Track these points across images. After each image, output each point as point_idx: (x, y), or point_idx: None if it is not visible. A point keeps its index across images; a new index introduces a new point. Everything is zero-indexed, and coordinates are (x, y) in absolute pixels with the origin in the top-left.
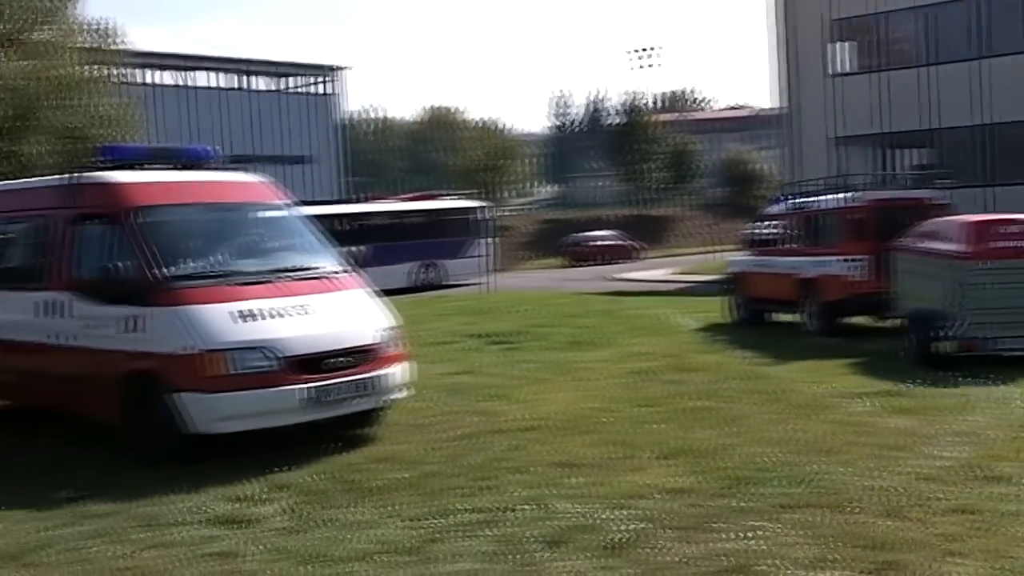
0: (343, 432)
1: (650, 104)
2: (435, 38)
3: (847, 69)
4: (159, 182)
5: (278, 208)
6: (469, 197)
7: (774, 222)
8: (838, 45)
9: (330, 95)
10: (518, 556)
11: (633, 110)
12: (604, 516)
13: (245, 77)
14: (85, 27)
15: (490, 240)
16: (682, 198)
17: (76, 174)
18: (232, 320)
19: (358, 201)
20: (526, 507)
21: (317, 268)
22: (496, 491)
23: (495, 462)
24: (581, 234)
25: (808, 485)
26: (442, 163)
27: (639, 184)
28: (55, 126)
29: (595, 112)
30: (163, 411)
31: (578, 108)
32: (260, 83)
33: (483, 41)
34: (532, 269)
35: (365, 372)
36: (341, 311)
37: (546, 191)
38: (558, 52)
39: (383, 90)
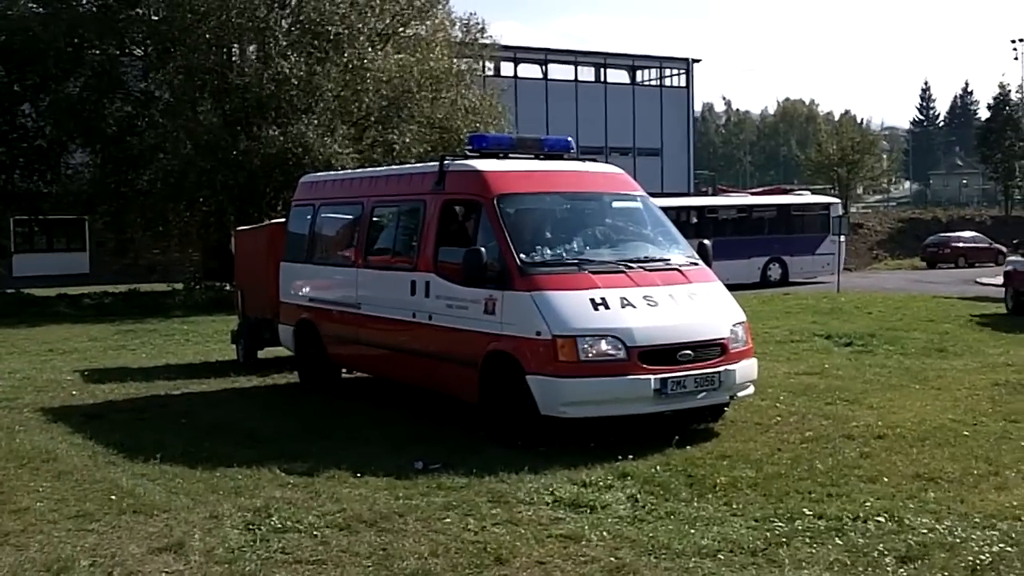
0: (685, 425)
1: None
2: (791, 30)
3: None
4: (522, 171)
5: (633, 199)
6: (821, 193)
7: None
8: None
9: (682, 88)
10: (869, 569)
11: (1004, 104)
12: (964, 535)
13: (600, 70)
14: (454, 22)
15: (841, 238)
16: None
17: (446, 161)
18: (585, 307)
19: (705, 194)
20: (879, 519)
21: (669, 260)
22: (846, 499)
23: (845, 469)
24: (942, 235)
25: None
26: (793, 157)
27: (1009, 183)
28: (423, 117)
29: (963, 105)
30: (520, 393)
31: (944, 101)
32: (614, 76)
33: (842, 31)
34: (885, 269)
35: (714, 366)
36: (692, 304)
37: (903, 188)
38: (928, 41)
39: (735, 83)
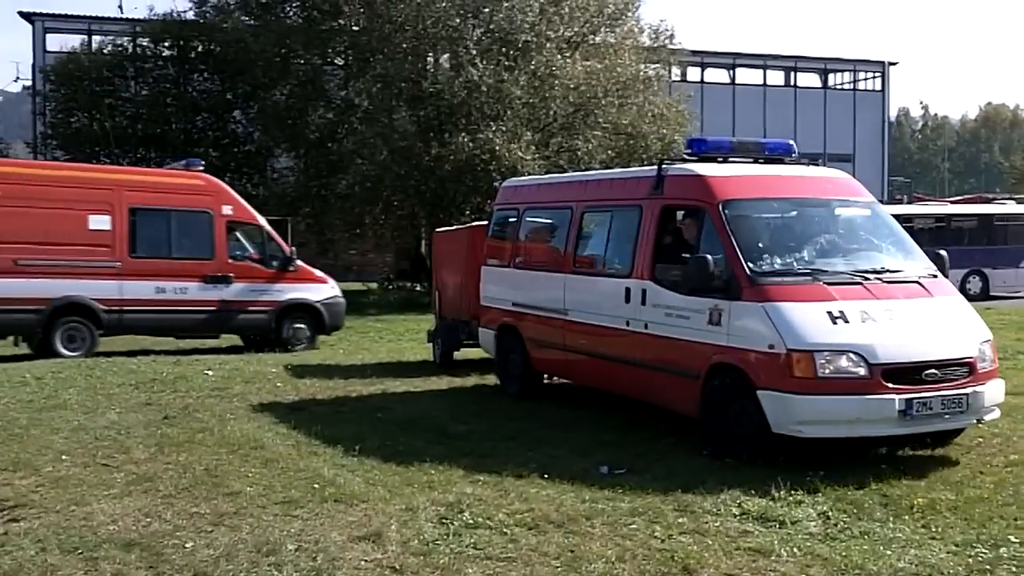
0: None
1: None
2: (991, 29)
3: None
4: (748, 176)
5: (863, 206)
6: None
7: None
8: None
9: (877, 91)
10: None
11: None
12: None
13: (791, 73)
14: (643, 29)
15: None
16: None
17: (665, 166)
18: (822, 321)
19: (900, 202)
20: None
21: (907, 271)
22: None
23: None
24: None
25: None
26: (996, 164)
27: None
28: (608, 123)
29: None
30: (748, 408)
31: None
32: (805, 79)
33: None
34: None
35: (962, 387)
36: (937, 319)
37: None
38: None
39: (934, 87)
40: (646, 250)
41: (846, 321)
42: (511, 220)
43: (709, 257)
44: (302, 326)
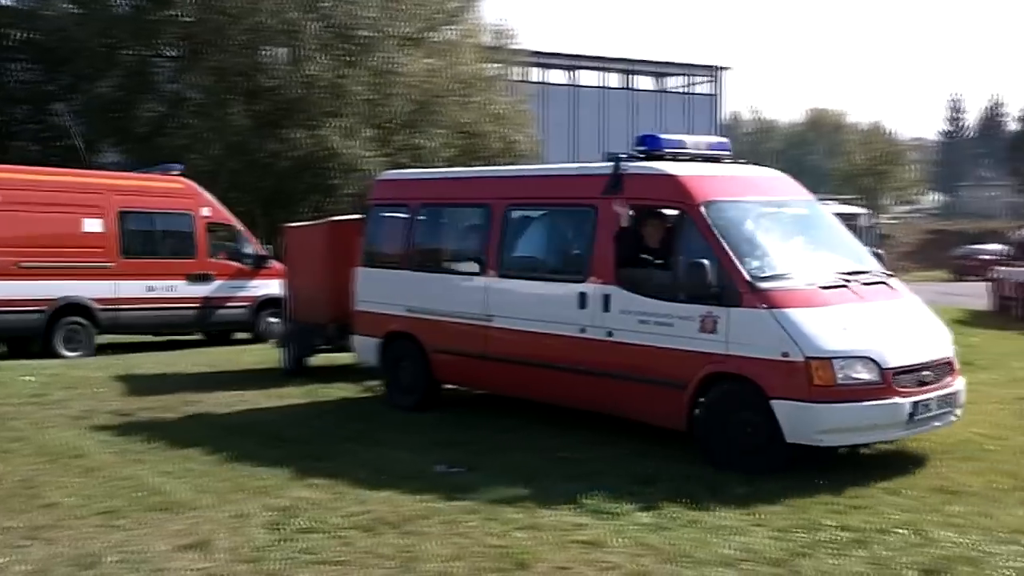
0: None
1: None
2: (819, 38)
3: None
4: (718, 176)
5: (811, 205)
6: (849, 203)
7: None
8: None
9: (710, 95)
10: None
11: None
12: (987, 549)
13: (628, 76)
14: (485, 28)
15: (873, 249)
16: None
17: (622, 163)
18: (832, 326)
19: None
20: (902, 531)
21: (872, 272)
22: (869, 511)
23: (868, 481)
24: (970, 247)
25: None
26: (821, 167)
27: None
28: (451, 121)
29: (991, 117)
30: (754, 418)
31: (972, 113)
32: (642, 82)
33: (872, 41)
34: (911, 281)
35: (949, 386)
36: (915, 320)
37: (931, 200)
38: (957, 52)
39: (762, 91)
40: (606, 253)
41: (851, 325)
42: (400, 217)
43: (707, 262)
44: (277, 320)
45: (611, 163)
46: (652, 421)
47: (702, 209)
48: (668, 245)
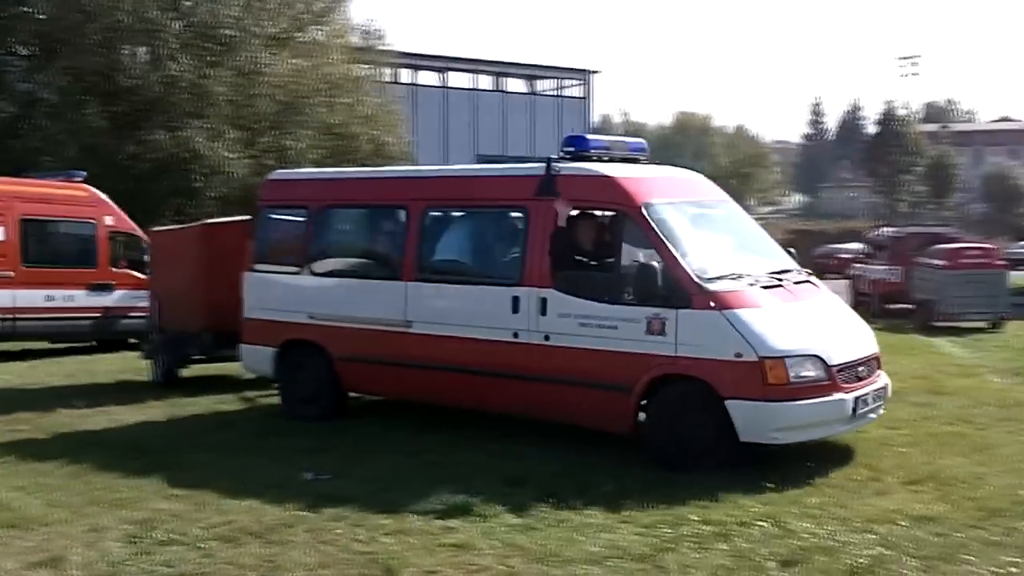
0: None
1: (909, 114)
2: (687, 43)
3: None
4: (650, 178)
5: (728, 204)
6: None
7: None
8: None
9: (581, 98)
10: (752, 573)
11: (891, 119)
12: (844, 539)
13: (500, 79)
14: (354, 28)
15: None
16: (939, 213)
17: (554, 165)
18: (780, 326)
19: None
20: (763, 523)
21: (797, 270)
22: (732, 505)
23: (730, 475)
24: (829, 246)
25: None
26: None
27: (893, 197)
28: (319, 123)
29: (851, 121)
30: (704, 419)
31: (833, 117)
32: (514, 85)
33: (738, 46)
34: None
35: (878, 380)
36: (843, 317)
37: (793, 201)
38: (818, 58)
39: (632, 95)
40: (540, 256)
41: (796, 325)
42: (297, 220)
43: (656, 264)
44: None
45: (542, 164)
46: (592, 425)
47: (644, 211)
48: (605, 247)
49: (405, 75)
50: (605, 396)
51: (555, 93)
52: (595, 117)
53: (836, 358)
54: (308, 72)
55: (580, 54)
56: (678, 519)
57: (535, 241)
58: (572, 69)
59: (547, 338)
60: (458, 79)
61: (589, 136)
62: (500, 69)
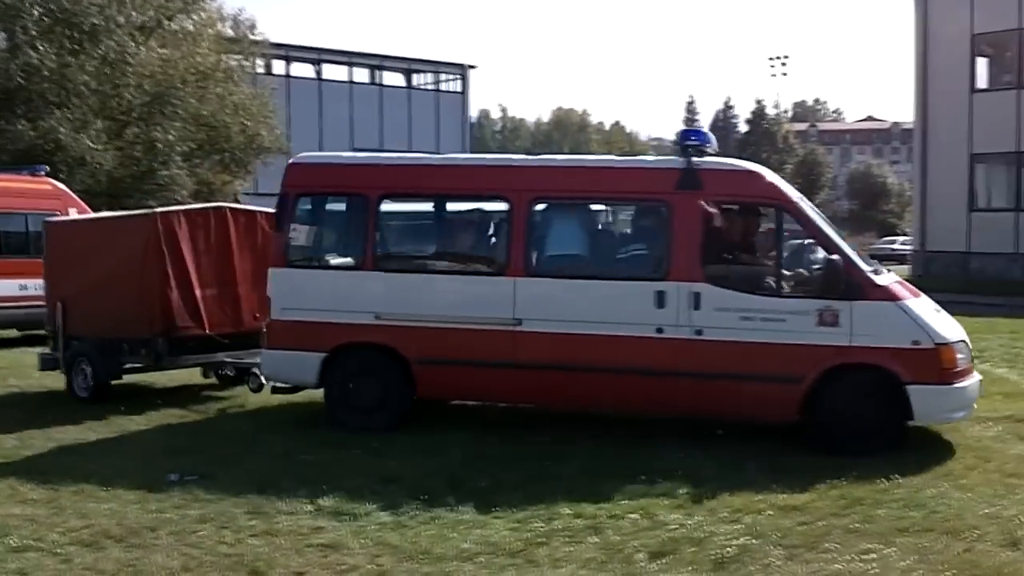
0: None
1: (779, 112)
2: (564, 39)
3: (987, 85)
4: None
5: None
6: None
7: None
8: (979, 60)
9: (458, 93)
10: (622, 565)
11: (761, 118)
12: (711, 529)
13: (377, 72)
14: (224, 18)
15: None
16: None
17: (694, 159)
18: (935, 315)
19: None
20: (633, 515)
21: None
22: (603, 498)
23: (602, 468)
24: None
25: (925, 509)
26: None
27: None
28: (188, 113)
29: (723, 119)
30: (878, 403)
31: (707, 115)
32: (390, 78)
33: (614, 44)
34: None
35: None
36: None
37: None
38: (693, 57)
39: (509, 90)
40: (690, 249)
41: (939, 314)
42: (349, 211)
43: (838, 258)
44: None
45: (673, 157)
46: (751, 417)
47: (800, 206)
48: (751, 241)
49: (278, 66)
50: (769, 388)
51: (433, 87)
52: (473, 112)
53: (968, 347)
54: (177, 62)
55: (457, 48)
56: (551, 514)
57: (680, 235)
58: (449, 63)
59: (699, 332)
60: (333, 71)
61: (701, 130)
62: (376, 62)
